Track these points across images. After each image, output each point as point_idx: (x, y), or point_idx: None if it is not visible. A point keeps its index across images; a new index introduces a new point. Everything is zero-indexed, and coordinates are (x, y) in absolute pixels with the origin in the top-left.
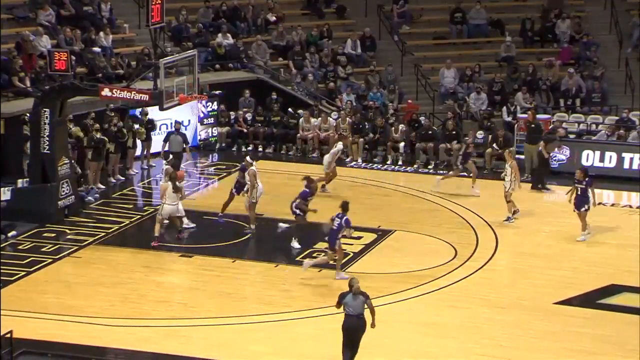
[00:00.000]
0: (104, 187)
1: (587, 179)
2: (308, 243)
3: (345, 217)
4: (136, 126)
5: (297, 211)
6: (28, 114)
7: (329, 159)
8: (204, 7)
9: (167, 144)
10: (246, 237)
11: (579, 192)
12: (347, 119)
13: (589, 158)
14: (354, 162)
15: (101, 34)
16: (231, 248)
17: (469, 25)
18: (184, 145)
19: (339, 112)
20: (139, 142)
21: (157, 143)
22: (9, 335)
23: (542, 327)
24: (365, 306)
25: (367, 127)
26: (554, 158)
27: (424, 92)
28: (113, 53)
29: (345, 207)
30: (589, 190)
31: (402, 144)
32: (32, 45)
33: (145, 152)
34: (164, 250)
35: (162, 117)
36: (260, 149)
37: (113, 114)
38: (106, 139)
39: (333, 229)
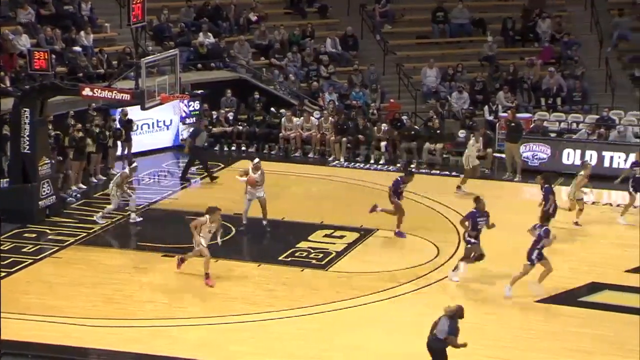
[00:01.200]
0: (85, 187)
1: (546, 186)
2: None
3: (545, 228)
4: (117, 126)
5: (471, 240)
6: (8, 114)
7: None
8: (186, 7)
9: (196, 139)
10: (229, 236)
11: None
12: (330, 118)
13: (570, 157)
14: (337, 162)
15: (82, 33)
16: (215, 248)
17: (451, 24)
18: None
19: (321, 112)
20: (119, 142)
21: (137, 143)
22: None
23: (527, 325)
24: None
25: (350, 126)
26: (535, 157)
27: (406, 91)
28: (94, 52)
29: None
30: (549, 196)
31: (384, 143)
32: (12, 45)
33: (125, 152)
34: (146, 250)
35: (143, 117)
36: (244, 149)
37: (95, 114)
38: (88, 139)
39: (535, 241)
